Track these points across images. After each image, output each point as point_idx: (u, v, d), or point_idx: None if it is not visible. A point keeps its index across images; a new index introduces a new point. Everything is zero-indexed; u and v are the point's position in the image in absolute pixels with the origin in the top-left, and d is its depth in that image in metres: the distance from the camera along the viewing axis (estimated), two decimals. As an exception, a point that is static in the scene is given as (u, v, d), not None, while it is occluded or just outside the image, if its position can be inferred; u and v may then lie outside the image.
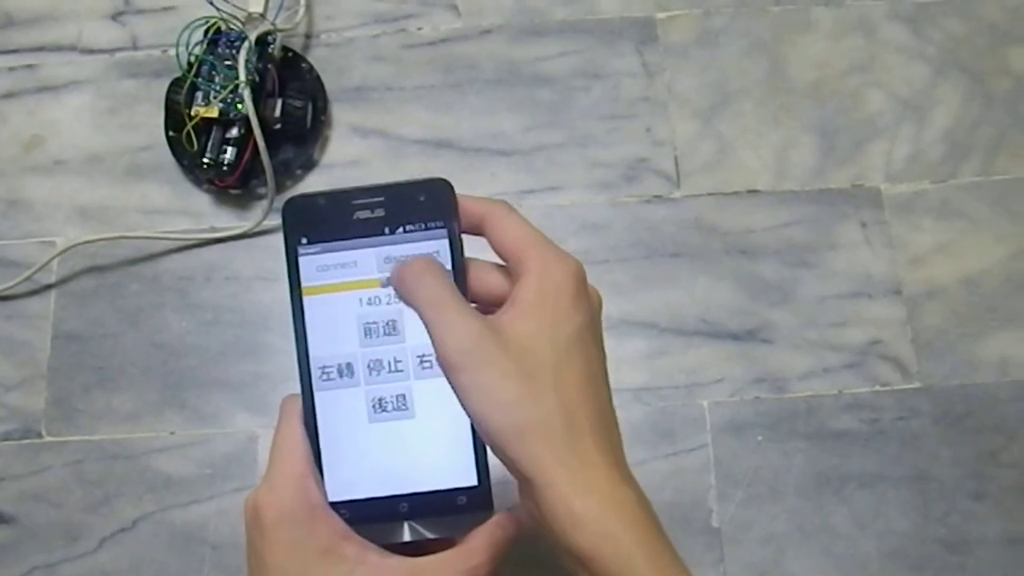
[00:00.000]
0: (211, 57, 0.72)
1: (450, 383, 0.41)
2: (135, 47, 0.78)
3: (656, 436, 0.68)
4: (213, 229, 0.73)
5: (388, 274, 0.44)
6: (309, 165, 0.75)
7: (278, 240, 0.45)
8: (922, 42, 0.77)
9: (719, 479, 0.67)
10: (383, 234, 0.45)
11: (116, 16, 0.79)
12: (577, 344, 0.41)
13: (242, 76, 0.69)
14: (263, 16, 0.74)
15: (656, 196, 0.73)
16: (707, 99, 0.76)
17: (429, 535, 0.45)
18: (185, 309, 0.72)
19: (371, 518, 0.44)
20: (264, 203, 0.72)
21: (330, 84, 0.76)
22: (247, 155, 0.71)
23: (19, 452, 0.69)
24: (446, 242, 0.44)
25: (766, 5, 0.78)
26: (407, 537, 0.45)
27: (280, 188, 0.74)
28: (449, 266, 0.44)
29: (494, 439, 0.40)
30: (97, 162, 0.75)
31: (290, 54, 0.76)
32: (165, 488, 0.68)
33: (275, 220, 0.72)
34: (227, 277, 0.72)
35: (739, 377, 0.69)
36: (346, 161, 0.75)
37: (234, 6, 0.73)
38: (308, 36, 0.78)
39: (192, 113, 0.71)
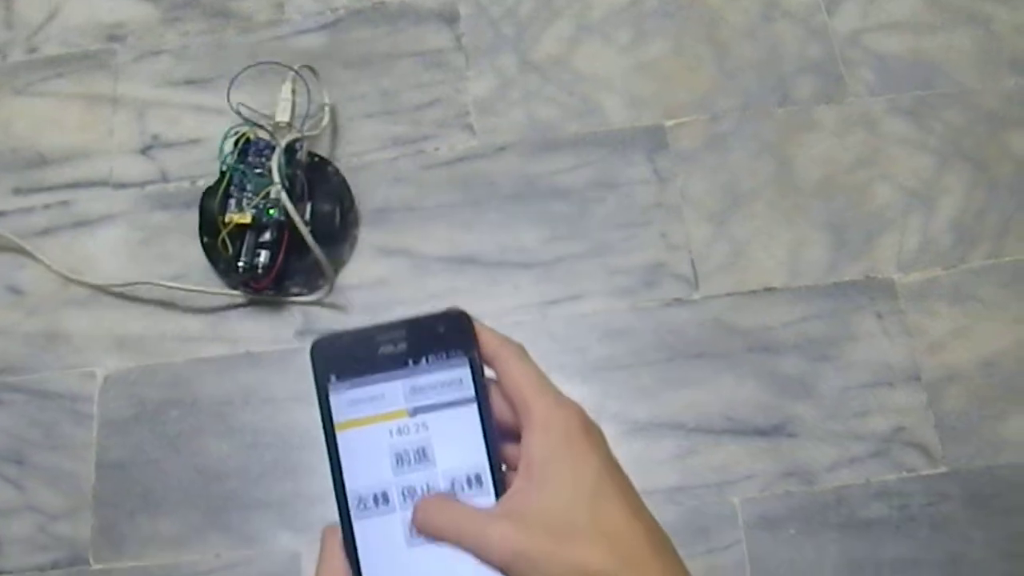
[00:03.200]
0: (242, 166, 0.75)
1: None
2: (165, 180, 0.81)
3: (690, 535, 0.69)
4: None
5: (416, 404, 0.46)
6: (339, 264, 0.77)
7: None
8: (924, 133, 0.79)
9: (755, 574, 0.68)
10: (407, 366, 0.47)
11: (145, 150, 0.82)
12: (604, 485, 0.42)
13: (276, 179, 0.72)
14: (290, 125, 0.76)
15: (676, 299, 0.75)
16: (719, 202, 0.78)
17: None
18: (225, 433, 0.74)
19: None
20: (295, 311, 0.76)
21: (354, 206, 0.79)
22: (280, 257, 0.74)
23: (68, 581, 0.71)
24: (467, 370, 0.46)
25: (770, 107, 0.80)
26: None
27: (312, 288, 0.77)
28: (472, 393, 0.46)
29: None
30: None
31: (316, 159, 0.79)
32: (213, 612, 0.70)
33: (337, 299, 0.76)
34: (264, 399, 0.74)
35: (768, 472, 0.71)
36: (373, 281, 0.77)
37: (261, 115, 0.76)
38: (333, 138, 0.81)
39: (226, 220, 0.74)
